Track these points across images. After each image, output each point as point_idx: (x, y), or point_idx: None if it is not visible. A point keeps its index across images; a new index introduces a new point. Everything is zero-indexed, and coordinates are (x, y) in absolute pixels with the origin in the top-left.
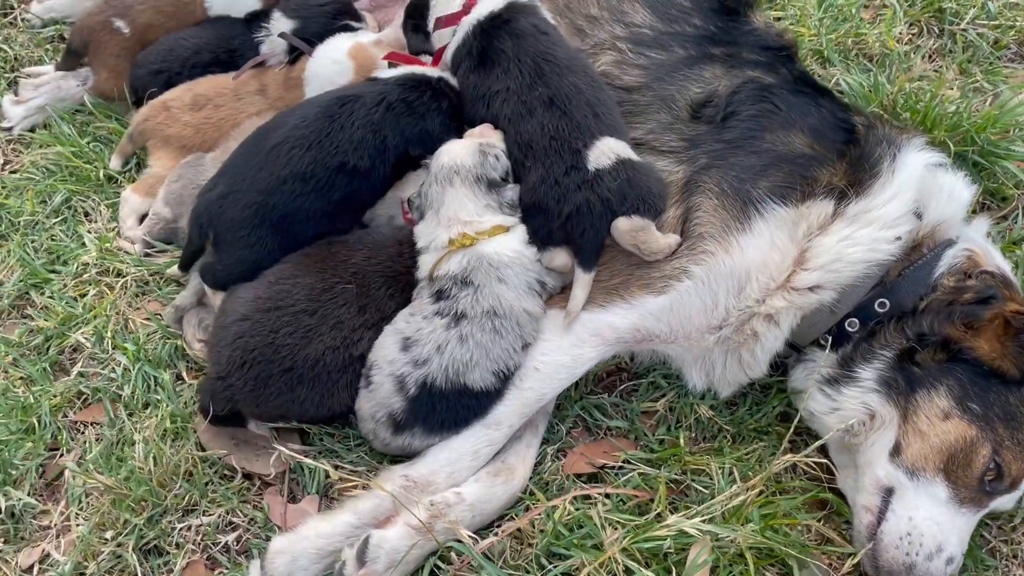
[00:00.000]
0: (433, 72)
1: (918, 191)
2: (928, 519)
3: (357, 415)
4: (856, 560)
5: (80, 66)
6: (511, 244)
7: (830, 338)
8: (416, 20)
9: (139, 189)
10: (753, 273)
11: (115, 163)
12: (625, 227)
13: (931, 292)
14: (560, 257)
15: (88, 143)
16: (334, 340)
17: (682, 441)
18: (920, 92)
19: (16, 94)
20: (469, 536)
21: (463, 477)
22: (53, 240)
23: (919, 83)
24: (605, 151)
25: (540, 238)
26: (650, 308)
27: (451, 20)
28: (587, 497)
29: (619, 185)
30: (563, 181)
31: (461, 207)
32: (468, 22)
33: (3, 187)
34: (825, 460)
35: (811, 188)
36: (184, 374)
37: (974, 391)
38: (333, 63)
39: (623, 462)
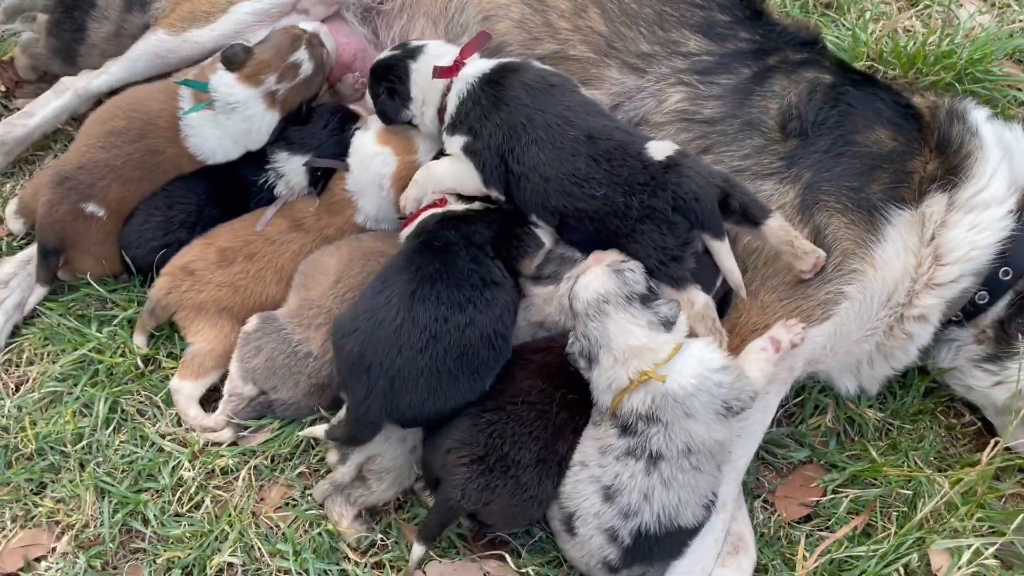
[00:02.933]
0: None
1: (1006, 156)
2: None
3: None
4: None
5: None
6: (692, 368)
7: (961, 314)
8: (390, 83)
9: (187, 374)
10: (899, 280)
11: (139, 341)
12: (776, 224)
13: None
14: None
15: (98, 329)
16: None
17: (873, 452)
18: (896, 36)
19: None
20: None
21: (711, 566)
22: (123, 457)
23: (881, 22)
24: (660, 147)
25: (664, 263)
26: (816, 338)
27: (448, 72)
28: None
29: (695, 162)
30: (645, 180)
31: (629, 334)
32: (469, 75)
33: (30, 415)
34: None
35: (918, 184)
36: (349, 553)
37: None
38: (373, 158)
39: (832, 491)
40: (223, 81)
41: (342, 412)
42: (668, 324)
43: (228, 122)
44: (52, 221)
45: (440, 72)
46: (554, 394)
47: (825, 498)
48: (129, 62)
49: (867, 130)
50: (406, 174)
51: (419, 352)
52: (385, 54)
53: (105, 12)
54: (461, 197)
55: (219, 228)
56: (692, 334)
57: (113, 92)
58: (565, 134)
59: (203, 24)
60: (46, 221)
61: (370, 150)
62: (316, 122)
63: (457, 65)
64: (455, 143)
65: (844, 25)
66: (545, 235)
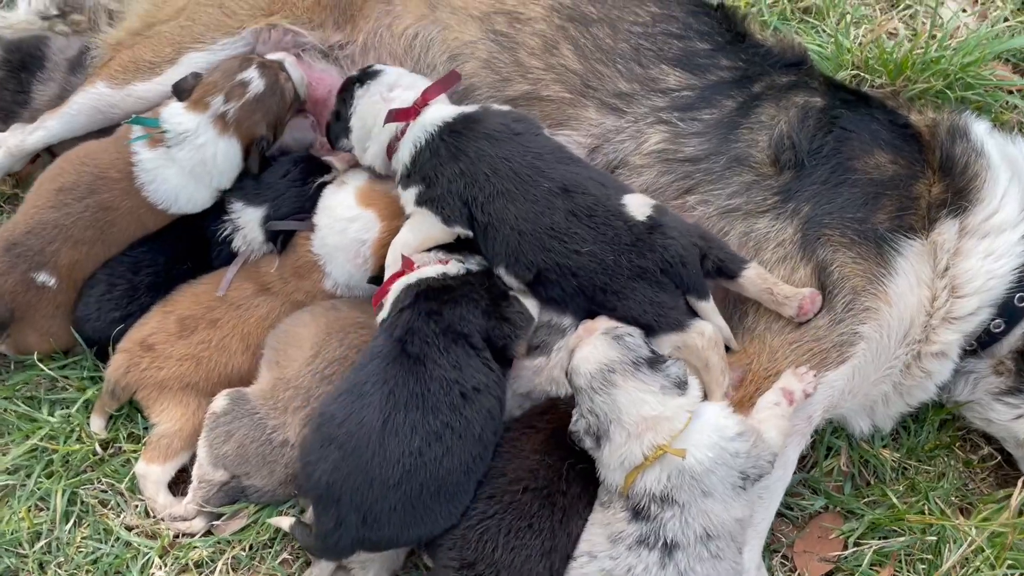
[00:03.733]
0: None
1: (1015, 175)
2: None
3: None
4: None
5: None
6: (708, 439)
7: (976, 343)
8: (339, 104)
9: (154, 457)
10: (914, 315)
11: (97, 425)
12: (753, 273)
13: None
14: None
15: (49, 413)
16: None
17: (892, 497)
18: (881, 42)
19: None
20: None
21: None
22: (87, 555)
23: (864, 26)
24: (638, 204)
25: (662, 314)
26: (835, 383)
27: (404, 115)
28: None
29: (675, 221)
30: (631, 241)
31: (642, 404)
32: (428, 122)
33: None
34: None
35: (925, 210)
36: None
37: None
38: (350, 223)
39: (853, 543)
40: (172, 112)
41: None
42: (681, 385)
43: (181, 155)
44: (3, 297)
45: (395, 115)
46: (562, 468)
47: (847, 551)
48: (68, 116)
49: (865, 155)
50: (390, 240)
51: (392, 488)
52: (353, 73)
53: (51, 74)
54: (450, 251)
55: (179, 293)
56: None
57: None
58: (538, 185)
59: (147, 76)
60: None
61: (347, 212)
62: (275, 170)
63: (416, 108)
64: (409, 196)
65: (826, 31)
66: (531, 306)
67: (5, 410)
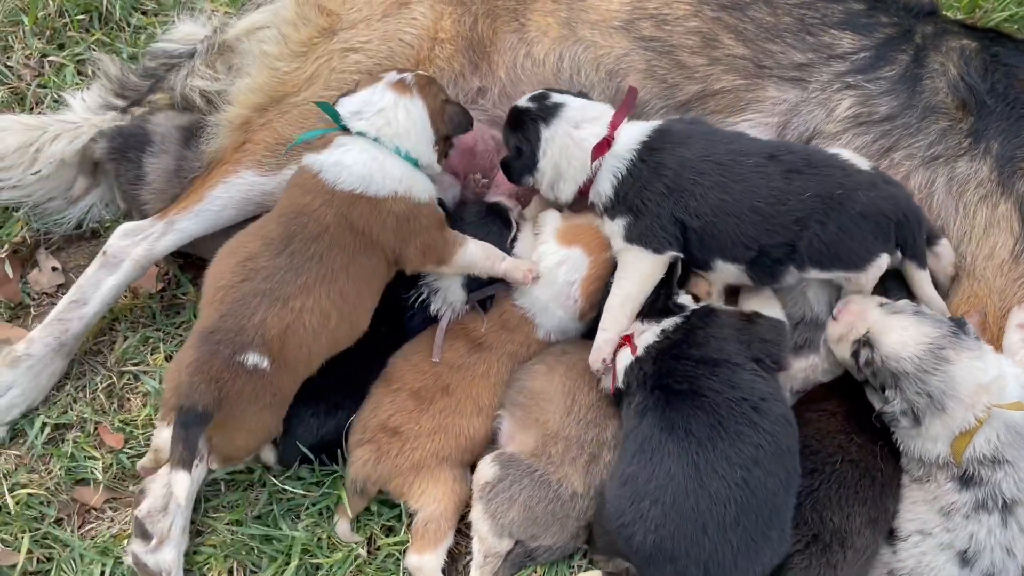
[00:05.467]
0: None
1: None
2: None
3: None
4: None
5: None
6: (1016, 387)
7: None
8: (519, 141)
9: (426, 546)
10: None
11: (345, 530)
12: (947, 247)
13: None
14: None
15: (291, 527)
16: None
17: None
18: None
19: (143, 536)
20: None
21: None
22: None
23: None
24: (853, 155)
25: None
26: None
27: (601, 150)
28: None
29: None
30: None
31: (979, 372)
32: (624, 150)
33: None
34: None
35: None
36: None
37: None
38: (557, 268)
39: None
40: (346, 104)
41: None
42: (978, 339)
43: (361, 124)
44: (204, 379)
45: (595, 153)
46: (875, 447)
47: None
48: (209, 214)
49: None
50: (601, 274)
51: (731, 527)
52: (523, 101)
53: (163, 146)
54: (647, 317)
55: (394, 369)
56: None
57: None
58: (743, 164)
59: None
60: (194, 379)
61: (552, 258)
62: (465, 220)
63: (608, 140)
64: (616, 229)
65: None
66: (776, 311)
67: (236, 534)
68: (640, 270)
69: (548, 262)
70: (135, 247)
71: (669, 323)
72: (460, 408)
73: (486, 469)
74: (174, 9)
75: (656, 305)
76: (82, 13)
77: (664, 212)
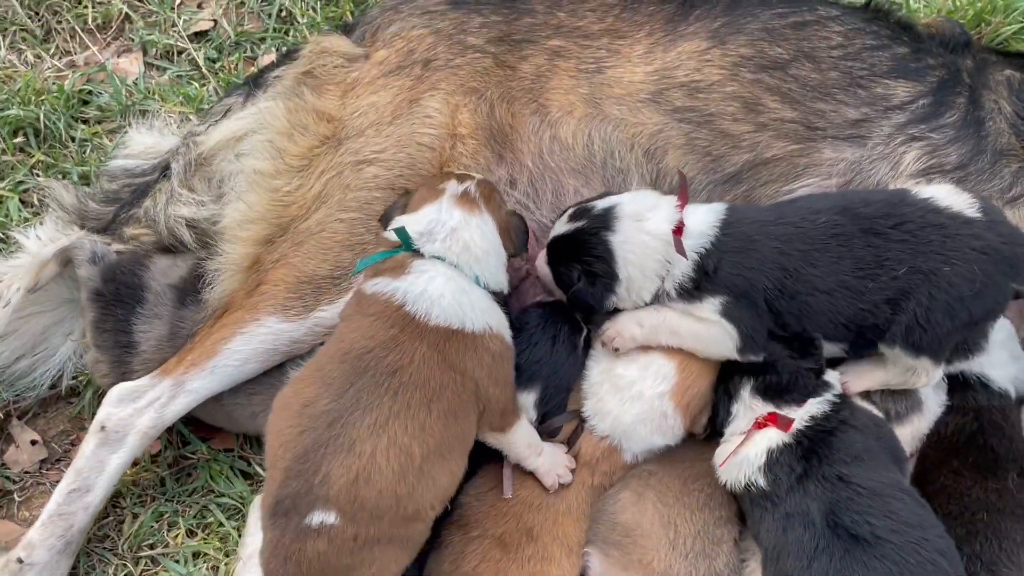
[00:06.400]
0: None
1: None
2: None
3: None
4: None
5: None
6: None
7: None
8: (586, 264)
9: None
10: None
11: None
12: None
13: None
14: None
15: None
16: None
17: None
18: None
19: None
20: None
21: None
22: None
23: None
24: (950, 192)
25: None
26: None
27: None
28: None
29: None
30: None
31: None
32: (699, 230)
33: None
34: None
35: None
36: None
37: None
38: (640, 382)
39: None
40: (408, 222)
41: None
42: None
43: (434, 247)
44: (280, 563)
45: (679, 245)
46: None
47: None
48: (228, 370)
49: None
50: (694, 379)
51: None
52: (562, 226)
53: (155, 309)
54: (784, 394)
55: (468, 513)
56: None
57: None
58: (815, 223)
59: (335, 295)
60: (274, 569)
61: (632, 372)
62: (529, 324)
63: (680, 226)
64: (707, 309)
65: None
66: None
67: None
68: (708, 343)
69: (630, 374)
70: (139, 416)
71: (817, 407)
72: (549, 554)
73: None
74: (119, 115)
75: (799, 381)
76: (14, 133)
77: (759, 292)
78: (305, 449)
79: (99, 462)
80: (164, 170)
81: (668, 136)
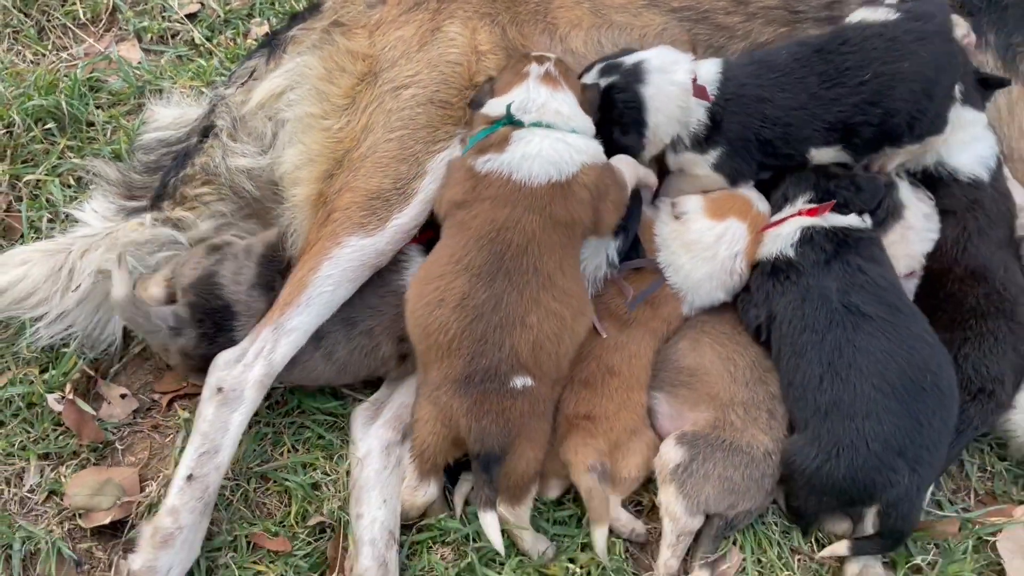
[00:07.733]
0: None
1: None
2: None
3: None
4: None
5: None
6: None
7: None
8: (619, 115)
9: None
10: None
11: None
12: None
13: None
14: None
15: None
16: None
17: None
18: None
19: None
20: None
21: None
22: None
23: None
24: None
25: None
26: None
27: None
28: None
29: None
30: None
31: None
32: (711, 79)
33: None
34: None
35: None
36: None
37: None
38: (717, 244)
39: None
40: (493, 107)
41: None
42: None
43: (528, 117)
44: (488, 417)
45: (699, 90)
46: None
47: None
48: (324, 296)
49: None
50: (758, 237)
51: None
52: (596, 78)
53: (248, 315)
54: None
55: None
56: None
57: None
58: (779, 56)
59: (402, 204)
60: (481, 423)
61: (709, 235)
62: None
63: (695, 81)
64: (703, 163)
65: None
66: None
67: None
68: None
69: (706, 239)
70: (250, 370)
71: (857, 221)
72: (630, 384)
73: (673, 452)
74: (132, 97)
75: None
76: (46, 121)
77: (750, 135)
78: (483, 332)
79: (223, 424)
80: (203, 133)
81: (673, 33)
